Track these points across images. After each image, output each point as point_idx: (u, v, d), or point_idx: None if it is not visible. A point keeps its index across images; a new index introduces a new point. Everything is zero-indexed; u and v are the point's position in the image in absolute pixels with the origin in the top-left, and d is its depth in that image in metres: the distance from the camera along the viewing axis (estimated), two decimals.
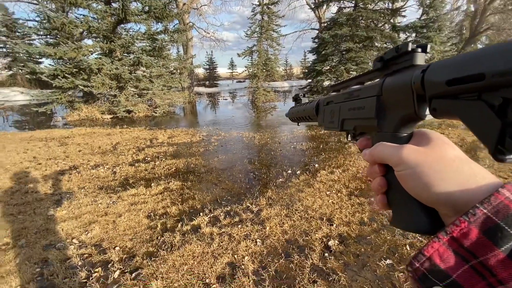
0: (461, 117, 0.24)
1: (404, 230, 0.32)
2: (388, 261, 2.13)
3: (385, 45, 17.23)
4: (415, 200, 0.29)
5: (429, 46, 0.30)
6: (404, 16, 17.25)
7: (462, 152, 0.28)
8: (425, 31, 16.94)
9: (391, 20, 17.75)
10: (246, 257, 2.22)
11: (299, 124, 0.77)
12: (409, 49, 0.30)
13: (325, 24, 18.32)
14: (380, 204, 0.34)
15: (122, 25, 11.19)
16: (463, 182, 0.25)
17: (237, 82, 35.23)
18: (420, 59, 0.30)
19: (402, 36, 18.37)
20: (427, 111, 0.28)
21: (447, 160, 0.27)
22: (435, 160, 0.27)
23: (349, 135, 0.46)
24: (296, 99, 0.79)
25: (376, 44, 16.41)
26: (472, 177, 0.25)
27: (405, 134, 0.33)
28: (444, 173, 0.26)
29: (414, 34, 18.07)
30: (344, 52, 16.16)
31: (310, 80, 18.35)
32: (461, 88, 0.23)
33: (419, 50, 0.30)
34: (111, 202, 3.30)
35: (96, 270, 2.12)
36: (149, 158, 5.14)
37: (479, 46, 23.49)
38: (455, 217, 0.24)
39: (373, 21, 16.56)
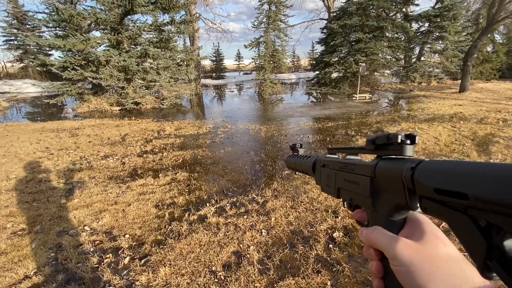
0: (449, 224, 0.24)
1: None
2: None
3: (396, 35, 16.75)
4: None
5: (417, 138, 0.31)
6: (417, 5, 16.66)
7: (453, 248, 0.29)
8: (439, 20, 16.30)
9: (403, 9, 17.18)
10: (252, 247, 2.26)
11: (297, 173, 0.77)
12: (399, 141, 0.31)
13: (334, 14, 17.88)
14: None
15: (129, 17, 11.17)
16: (454, 286, 0.25)
17: (243, 74, 34.96)
18: (409, 151, 0.31)
19: (415, 25, 17.79)
20: (418, 204, 0.29)
21: (439, 261, 0.27)
22: (428, 261, 0.27)
23: (345, 204, 0.47)
24: (293, 148, 0.79)
25: (387, 34, 15.97)
26: (464, 281, 0.25)
27: (399, 219, 0.33)
28: (436, 276, 0.26)
29: (427, 23, 17.44)
30: (353, 43, 15.80)
31: (318, 72, 18.08)
32: (448, 199, 0.23)
33: (408, 142, 0.31)
34: (120, 192, 3.39)
35: (107, 256, 2.21)
36: (156, 150, 5.22)
37: (496, 36, 22.55)
38: None
39: (384, 10, 16.07)
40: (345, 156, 0.49)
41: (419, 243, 0.29)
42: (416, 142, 0.31)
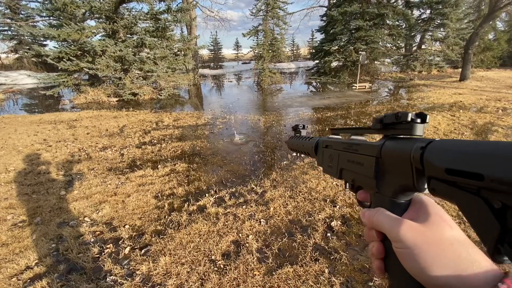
0: (459, 206, 0.23)
1: None
2: None
3: (397, 22, 16.45)
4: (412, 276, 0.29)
5: (428, 117, 0.30)
6: None
7: (460, 231, 0.28)
8: (440, 7, 15.99)
9: None
10: (251, 236, 2.29)
11: (298, 154, 0.75)
12: (409, 119, 0.30)
13: (334, 1, 17.48)
14: (377, 270, 0.34)
15: (124, 5, 10.90)
16: (460, 269, 0.25)
17: (242, 63, 34.53)
18: (419, 130, 0.30)
19: (416, 12, 17.45)
20: (426, 185, 0.28)
21: (444, 243, 0.26)
22: (433, 243, 0.27)
23: (347, 185, 0.46)
24: (295, 129, 0.78)
25: (388, 21, 15.68)
26: (470, 264, 0.25)
27: (404, 201, 0.32)
28: (441, 258, 0.26)
29: (429, 10, 17.11)
30: (353, 31, 15.54)
31: (317, 61, 17.85)
32: (460, 180, 0.22)
33: (418, 120, 0.30)
34: (119, 183, 3.40)
35: (108, 246, 2.23)
36: (155, 141, 5.21)
37: (498, 23, 22.17)
38: None
39: None
40: (350, 136, 0.48)
41: (424, 225, 0.28)
42: (427, 121, 0.30)
